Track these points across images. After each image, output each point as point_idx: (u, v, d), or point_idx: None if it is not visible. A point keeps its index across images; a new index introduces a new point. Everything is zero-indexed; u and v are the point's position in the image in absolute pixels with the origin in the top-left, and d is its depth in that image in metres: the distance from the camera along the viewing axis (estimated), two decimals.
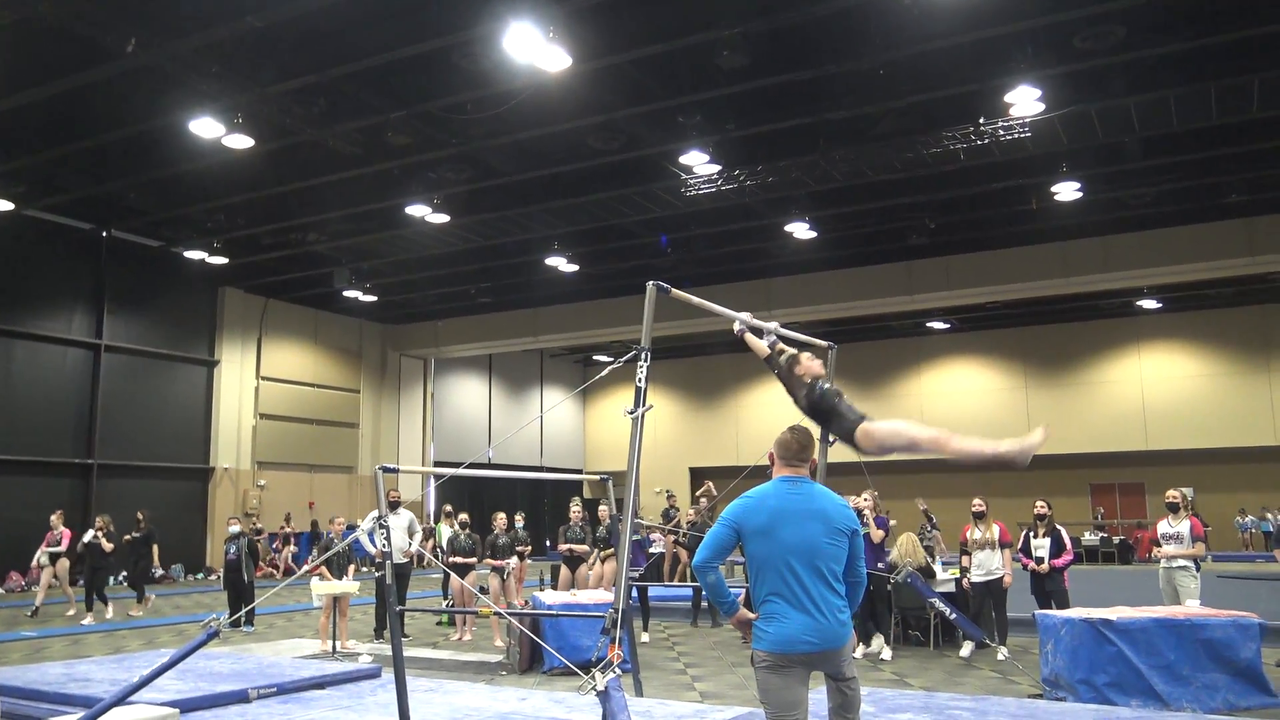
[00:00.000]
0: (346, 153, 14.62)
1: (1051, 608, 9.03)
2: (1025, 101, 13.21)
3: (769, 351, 5.42)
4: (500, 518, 11.80)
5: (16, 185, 16.74)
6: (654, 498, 29.05)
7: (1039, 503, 10.11)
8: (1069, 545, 9.80)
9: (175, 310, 22.60)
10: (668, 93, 13.16)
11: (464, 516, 12.17)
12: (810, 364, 5.06)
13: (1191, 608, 7.91)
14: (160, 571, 21.17)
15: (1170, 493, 9.39)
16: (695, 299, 5.39)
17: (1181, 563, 9.05)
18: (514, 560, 11.51)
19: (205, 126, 13.43)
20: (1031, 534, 9.91)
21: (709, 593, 3.82)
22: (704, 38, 11.36)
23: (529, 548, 12.47)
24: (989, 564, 10.00)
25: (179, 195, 17.60)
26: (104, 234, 20.36)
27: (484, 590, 11.52)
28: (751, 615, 3.76)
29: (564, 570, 11.78)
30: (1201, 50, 12.07)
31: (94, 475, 20.46)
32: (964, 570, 10.52)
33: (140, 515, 15.56)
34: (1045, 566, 9.58)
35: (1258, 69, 12.41)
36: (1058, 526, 9.88)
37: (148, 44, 11.24)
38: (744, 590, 4.22)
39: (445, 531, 12.09)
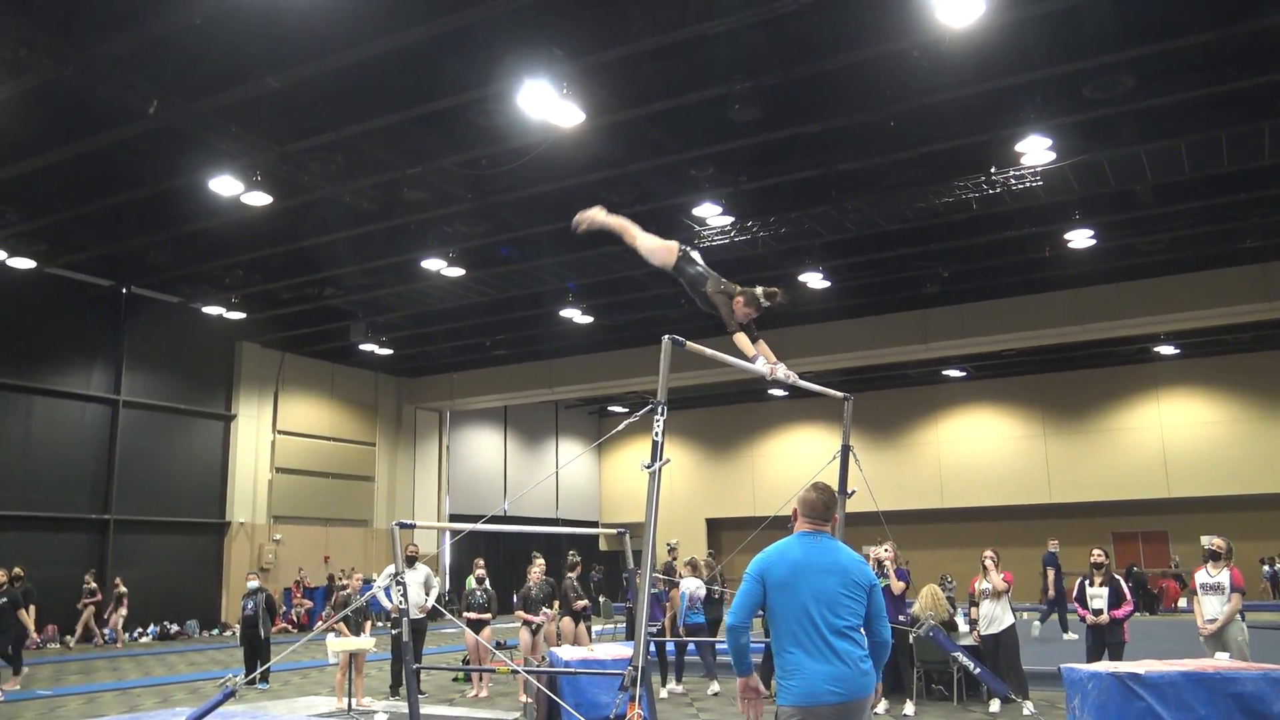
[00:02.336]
0: (363, 208, 14.79)
1: (1105, 660, 8.74)
2: (1036, 150, 13.26)
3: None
4: (537, 568, 11.63)
5: (38, 244, 16.97)
6: (665, 548, 28.86)
7: (1096, 551, 9.79)
8: (1129, 595, 9.52)
9: (193, 365, 22.74)
10: (680, 146, 13.28)
11: (480, 571, 12.09)
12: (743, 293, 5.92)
13: (1221, 660, 7.74)
14: (176, 628, 21.09)
15: (1215, 541, 8.81)
16: (710, 351, 5.40)
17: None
18: (547, 613, 11.40)
19: (224, 184, 13.62)
20: (1088, 583, 9.60)
21: (735, 652, 3.95)
22: (715, 92, 11.49)
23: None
24: (994, 615, 9.82)
25: (198, 252, 17.81)
26: (123, 290, 20.59)
27: (500, 646, 11.42)
28: (759, 687, 3.95)
29: (524, 635, 11.34)
30: (1211, 98, 12.12)
31: (111, 531, 20.46)
32: (973, 623, 10.35)
33: (13, 573, 13.38)
34: (1105, 617, 9.29)
35: (1268, 115, 12.44)
36: (1116, 575, 9.60)
37: (168, 105, 11.44)
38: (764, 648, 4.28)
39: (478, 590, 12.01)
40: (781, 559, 3.95)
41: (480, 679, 11.80)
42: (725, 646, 4.17)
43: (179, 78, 11.30)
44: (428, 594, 11.73)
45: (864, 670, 3.82)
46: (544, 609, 11.36)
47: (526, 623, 11.21)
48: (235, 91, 11.46)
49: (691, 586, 12.35)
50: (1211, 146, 13.47)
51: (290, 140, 12.74)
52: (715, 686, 11.48)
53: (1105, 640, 9.30)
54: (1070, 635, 16.02)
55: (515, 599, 12.35)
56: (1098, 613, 9.33)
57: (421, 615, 11.55)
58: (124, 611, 19.76)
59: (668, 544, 24.09)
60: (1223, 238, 17.35)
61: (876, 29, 10.57)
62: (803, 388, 5.84)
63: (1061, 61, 11.05)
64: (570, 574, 11.94)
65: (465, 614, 11.55)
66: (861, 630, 3.90)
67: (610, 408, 34.22)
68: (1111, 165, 14.12)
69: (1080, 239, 17.05)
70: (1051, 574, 17.33)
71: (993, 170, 14.09)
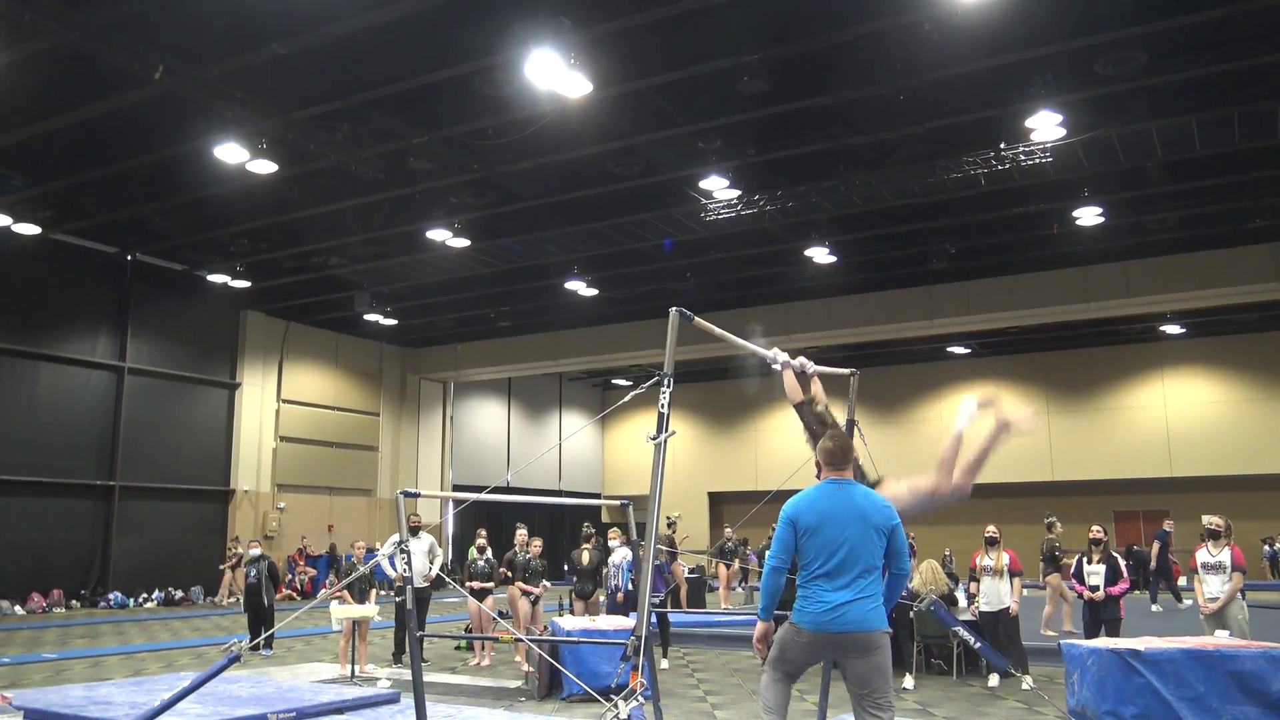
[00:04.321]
0: (368, 177, 14.73)
1: (1102, 635, 8.80)
2: (1046, 126, 13.17)
3: (802, 398, 5.50)
4: (521, 534, 11.67)
5: (43, 210, 16.95)
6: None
7: (1095, 528, 9.85)
8: (1125, 572, 9.56)
9: (198, 333, 22.78)
10: (688, 118, 13.20)
11: (481, 541, 12.14)
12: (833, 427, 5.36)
13: (1221, 639, 7.77)
14: (180, 594, 21.27)
15: (1213, 519, 8.82)
16: (718, 330, 5.38)
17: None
18: (546, 585, 11.47)
19: (229, 152, 13.57)
20: (1085, 560, 9.65)
21: (769, 591, 4.36)
22: (724, 63, 11.41)
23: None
24: (995, 593, 9.85)
25: (203, 220, 17.78)
26: (129, 258, 20.59)
27: (504, 615, 11.49)
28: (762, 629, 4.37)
29: (524, 605, 11.35)
30: (1224, 75, 12.02)
31: (115, 497, 20.57)
32: (972, 598, 10.40)
33: None
34: (1100, 594, 9.34)
35: None
36: (1114, 553, 9.65)
37: (174, 71, 11.38)
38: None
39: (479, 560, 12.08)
40: (811, 507, 4.32)
41: (483, 648, 11.88)
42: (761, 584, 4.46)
43: (185, 44, 11.24)
44: (431, 563, 11.80)
45: (877, 605, 4.22)
46: (543, 581, 11.43)
47: (526, 593, 11.26)
48: (241, 58, 11.39)
49: (629, 554, 12.35)
50: (1223, 124, 13.37)
51: (296, 108, 12.68)
52: (664, 663, 11.39)
53: (1102, 617, 9.36)
54: (1156, 608, 16.49)
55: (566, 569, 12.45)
56: (1094, 589, 9.40)
57: (425, 584, 11.62)
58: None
59: (668, 518, 24.09)
60: (1232, 216, 17.28)
61: (887, 1, 10.48)
62: (813, 373, 5.81)
63: (1073, 36, 10.95)
64: (585, 545, 12.02)
65: (468, 583, 11.61)
66: (880, 570, 4.30)
67: (614, 380, 34.25)
68: (1122, 142, 14.03)
69: (1089, 216, 16.97)
70: (1156, 547, 17.83)
71: (1002, 146, 13.99)
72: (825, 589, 4.21)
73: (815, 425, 5.38)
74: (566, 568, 13.57)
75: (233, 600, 20.33)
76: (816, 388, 5.83)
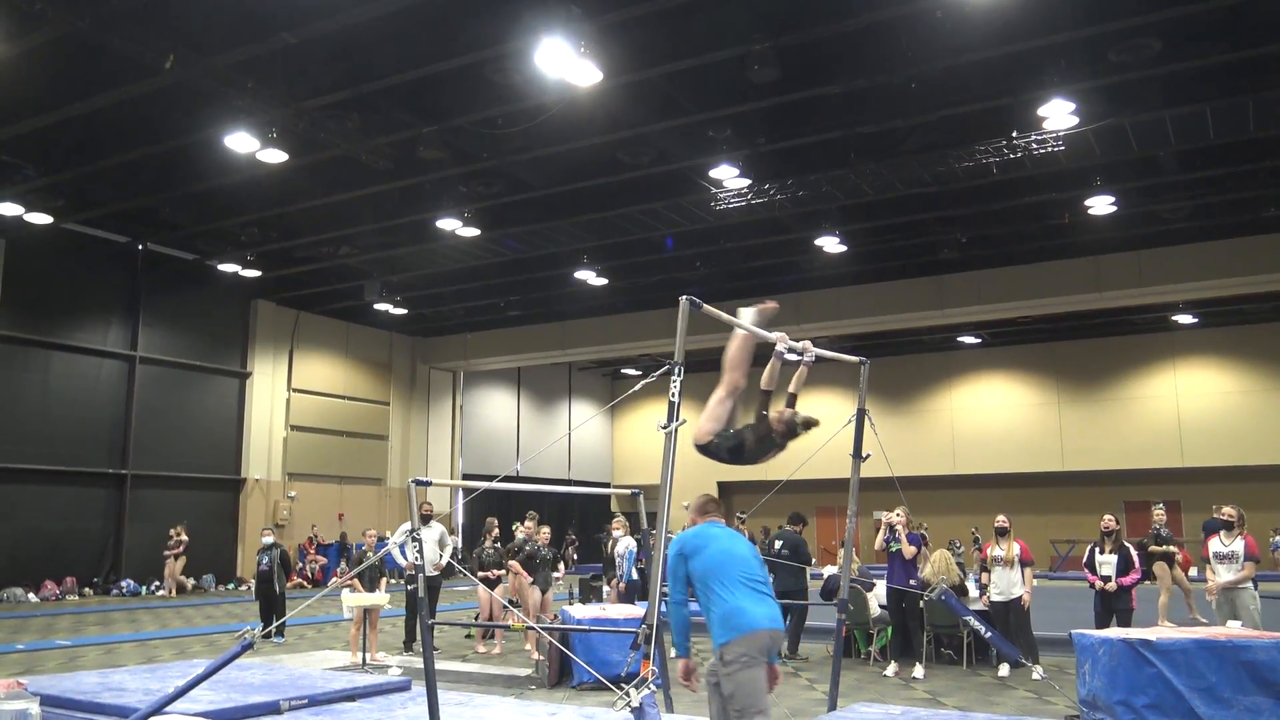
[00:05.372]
0: (379, 167, 14.73)
1: (1113, 626, 8.79)
2: (1058, 115, 13.09)
3: (772, 389, 5.50)
4: (529, 524, 11.70)
5: (55, 199, 16.99)
6: (683, 512, 29.01)
7: (1107, 517, 9.80)
8: (1137, 563, 9.53)
9: (209, 322, 22.84)
10: (698, 107, 13.16)
11: (495, 531, 12.18)
12: (777, 423, 5.45)
13: (1233, 629, 7.75)
14: (193, 582, 21.38)
15: (1226, 510, 8.87)
16: (727, 316, 5.37)
17: (1242, 583, 8.70)
18: (560, 572, 11.52)
19: (240, 141, 13.58)
20: (1098, 550, 9.62)
21: (679, 627, 4.70)
22: (734, 52, 11.36)
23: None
24: (1006, 583, 9.83)
25: (213, 209, 17.82)
26: (140, 247, 20.63)
27: (514, 603, 11.53)
28: (694, 670, 4.65)
29: (534, 593, 11.46)
30: (1238, 63, 11.93)
31: (127, 486, 20.67)
32: (983, 588, 10.39)
33: None
34: (1112, 585, 9.32)
35: None
36: (1125, 543, 9.62)
37: (185, 60, 11.39)
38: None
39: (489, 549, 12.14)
40: (697, 538, 4.80)
41: (490, 635, 11.92)
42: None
43: (196, 33, 11.24)
44: (442, 551, 11.83)
45: (777, 609, 4.75)
46: (558, 569, 11.47)
47: (516, 573, 11.28)
48: (252, 47, 11.40)
49: (633, 544, 12.39)
50: (1237, 112, 13.27)
51: (306, 97, 12.68)
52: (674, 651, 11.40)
53: (1113, 607, 9.34)
54: None
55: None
56: (1106, 579, 9.37)
57: (436, 572, 11.66)
58: (182, 561, 20.48)
59: (684, 505, 23.88)
60: (1246, 205, 17.17)
61: None
62: (817, 359, 5.80)
63: (1086, 24, 10.86)
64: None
65: (479, 572, 11.65)
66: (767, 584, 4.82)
67: (623, 370, 34.24)
68: (1135, 130, 13.94)
69: (1101, 205, 16.87)
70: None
71: (1014, 134, 13.93)
72: (743, 601, 4.57)
73: (765, 416, 5.36)
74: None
75: (163, 593, 20.20)
76: (796, 385, 5.82)
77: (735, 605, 4.54)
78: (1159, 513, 12.99)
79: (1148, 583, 11.41)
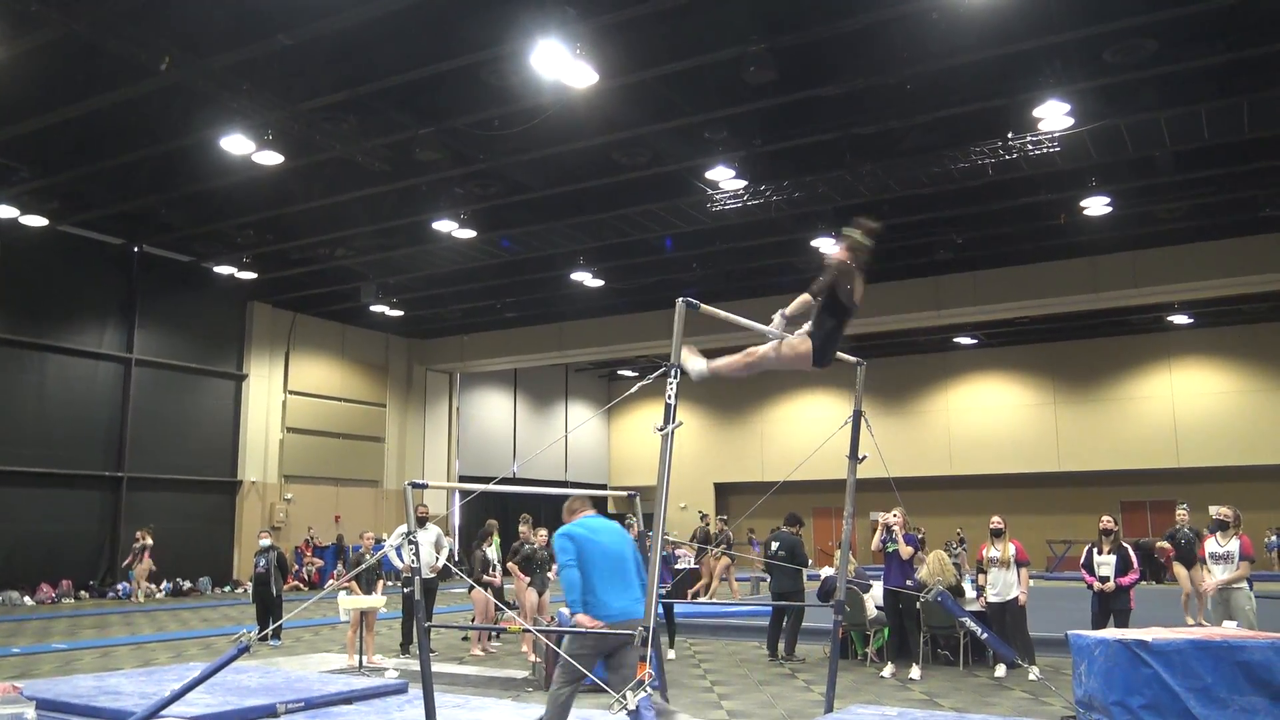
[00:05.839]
0: (375, 169, 14.73)
1: (1110, 627, 8.78)
2: (1054, 116, 13.12)
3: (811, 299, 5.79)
4: (523, 529, 11.70)
5: (51, 201, 16.97)
6: (679, 513, 29.01)
7: (1105, 518, 9.77)
8: (1135, 563, 9.51)
9: (205, 324, 22.81)
10: (694, 108, 13.17)
11: (491, 523, 12.21)
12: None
13: (1229, 629, 7.75)
14: (189, 584, 21.34)
15: (1223, 510, 8.79)
16: (724, 314, 5.38)
17: (1237, 583, 8.70)
18: (550, 578, 11.52)
19: (236, 143, 13.57)
20: (1096, 550, 9.60)
21: (570, 586, 5.37)
22: (731, 53, 11.36)
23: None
24: (1003, 584, 9.83)
25: (209, 211, 17.79)
26: (135, 249, 20.60)
27: (510, 605, 11.52)
28: (592, 621, 5.23)
29: (530, 595, 11.46)
30: (1233, 64, 11.94)
31: (123, 488, 20.64)
32: (980, 590, 10.39)
33: None
34: (1111, 585, 9.30)
35: None
36: (1124, 543, 9.61)
37: (181, 62, 11.37)
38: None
39: (490, 553, 12.12)
40: (582, 529, 5.56)
41: (479, 638, 11.92)
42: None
43: (191, 34, 11.23)
44: (438, 554, 11.82)
45: (637, 599, 5.41)
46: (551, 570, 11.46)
47: (533, 584, 11.28)
48: (248, 49, 11.39)
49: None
50: (1232, 113, 13.31)
51: (302, 99, 12.67)
52: (671, 654, 11.39)
53: (1111, 607, 9.33)
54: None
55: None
56: (1104, 580, 9.36)
57: (432, 575, 11.65)
58: (148, 565, 19.58)
59: (681, 506, 23.81)
60: (1241, 206, 17.20)
61: None
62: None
63: (1082, 25, 10.88)
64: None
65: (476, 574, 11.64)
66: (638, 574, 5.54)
67: (620, 371, 34.24)
68: (1130, 131, 13.97)
69: (1097, 206, 16.91)
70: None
71: (1010, 135, 13.95)
72: (611, 591, 5.35)
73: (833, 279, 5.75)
74: None
75: (134, 599, 19.26)
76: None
77: (597, 596, 5.33)
78: (1182, 513, 13.03)
79: (1144, 583, 11.41)
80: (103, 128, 14.00)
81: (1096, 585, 9.44)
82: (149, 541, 19.49)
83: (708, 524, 18.60)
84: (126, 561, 19.70)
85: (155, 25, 10.96)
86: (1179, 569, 12.64)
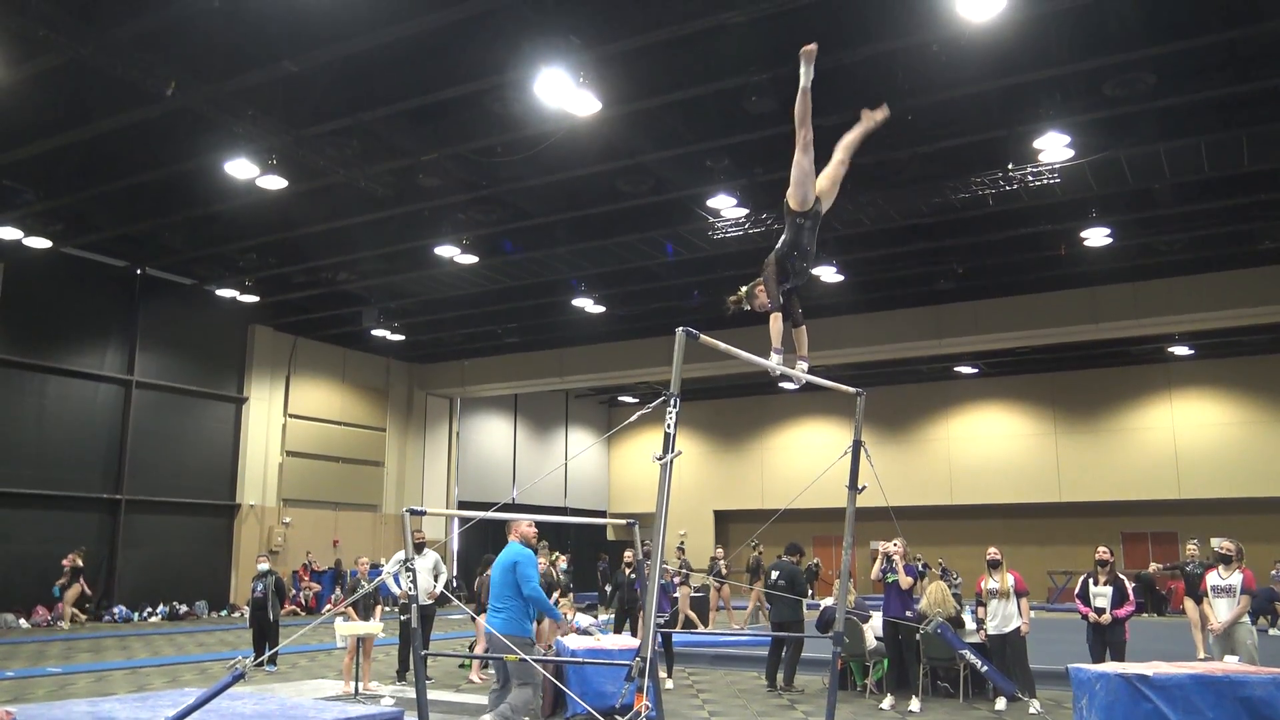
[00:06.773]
0: (378, 194, 14.79)
1: (1107, 659, 8.72)
2: (1054, 147, 13.18)
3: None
4: (543, 558, 11.66)
5: (55, 223, 17.01)
6: (676, 538, 28.87)
7: (1101, 549, 9.70)
8: (1131, 595, 9.44)
9: (206, 347, 22.83)
10: (696, 137, 13.23)
11: (489, 556, 12.10)
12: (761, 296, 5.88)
13: (1230, 664, 7.71)
14: (185, 608, 21.23)
15: (1223, 544, 8.78)
16: (724, 346, 5.38)
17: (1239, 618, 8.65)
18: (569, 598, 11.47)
19: (240, 167, 13.64)
20: (1091, 581, 9.54)
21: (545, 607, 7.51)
22: (732, 83, 11.44)
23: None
24: (1003, 615, 9.77)
25: (212, 234, 17.85)
26: (138, 271, 20.65)
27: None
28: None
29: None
30: (1233, 97, 12.01)
31: (122, 511, 20.58)
32: (980, 622, 10.32)
33: None
34: (1107, 617, 9.23)
35: None
36: (1120, 575, 9.55)
37: (186, 87, 11.45)
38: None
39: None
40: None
41: (486, 665, 11.82)
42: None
43: (197, 60, 11.30)
44: (436, 580, 11.76)
45: (495, 618, 7.23)
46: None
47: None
48: (252, 75, 11.46)
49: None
50: (1232, 146, 13.37)
51: (306, 124, 12.74)
52: (669, 684, 11.32)
53: (1107, 639, 9.29)
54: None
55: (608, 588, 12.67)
56: (1100, 611, 9.30)
57: (430, 601, 11.59)
58: (77, 589, 18.77)
59: (680, 533, 23.67)
60: (1241, 238, 17.25)
61: (895, 22, 10.51)
62: (813, 383, 5.80)
63: (1082, 58, 10.94)
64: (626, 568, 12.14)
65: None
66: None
67: (620, 398, 34.21)
68: (1130, 163, 14.03)
69: (1097, 237, 16.96)
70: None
71: (1010, 166, 14.00)
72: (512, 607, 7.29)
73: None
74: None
75: (63, 625, 18.33)
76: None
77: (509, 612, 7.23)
78: (1192, 547, 12.97)
79: (1146, 615, 11.34)
80: (108, 151, 14.08)
81: (1092, 616, 9.39)
82: (80, 564, 18.85)
83: (760, 553, 18.59)
84: (60, 582, 18.78)
85: (161, 51, 11.04)
86: (1189, 604, 12.55)
